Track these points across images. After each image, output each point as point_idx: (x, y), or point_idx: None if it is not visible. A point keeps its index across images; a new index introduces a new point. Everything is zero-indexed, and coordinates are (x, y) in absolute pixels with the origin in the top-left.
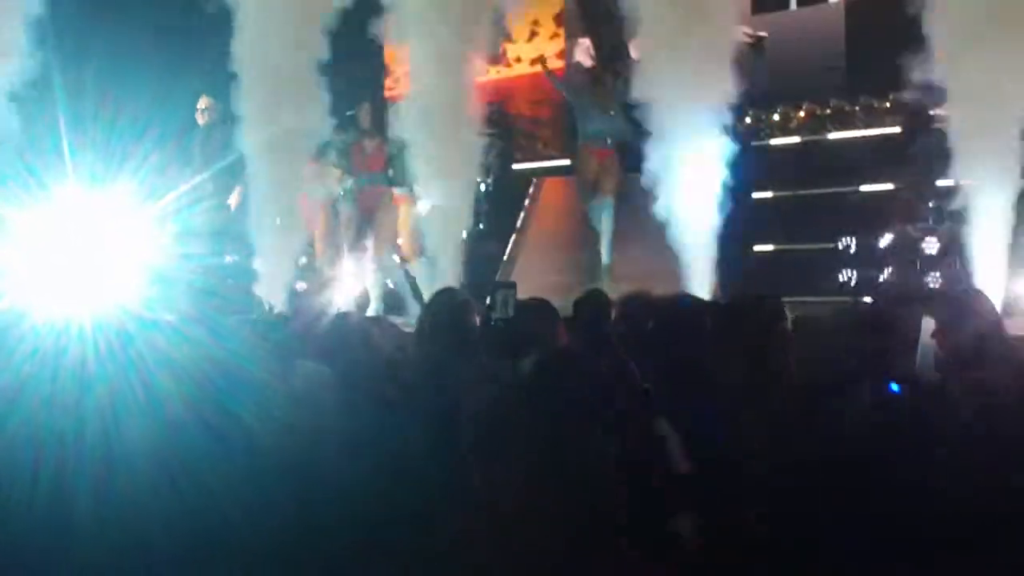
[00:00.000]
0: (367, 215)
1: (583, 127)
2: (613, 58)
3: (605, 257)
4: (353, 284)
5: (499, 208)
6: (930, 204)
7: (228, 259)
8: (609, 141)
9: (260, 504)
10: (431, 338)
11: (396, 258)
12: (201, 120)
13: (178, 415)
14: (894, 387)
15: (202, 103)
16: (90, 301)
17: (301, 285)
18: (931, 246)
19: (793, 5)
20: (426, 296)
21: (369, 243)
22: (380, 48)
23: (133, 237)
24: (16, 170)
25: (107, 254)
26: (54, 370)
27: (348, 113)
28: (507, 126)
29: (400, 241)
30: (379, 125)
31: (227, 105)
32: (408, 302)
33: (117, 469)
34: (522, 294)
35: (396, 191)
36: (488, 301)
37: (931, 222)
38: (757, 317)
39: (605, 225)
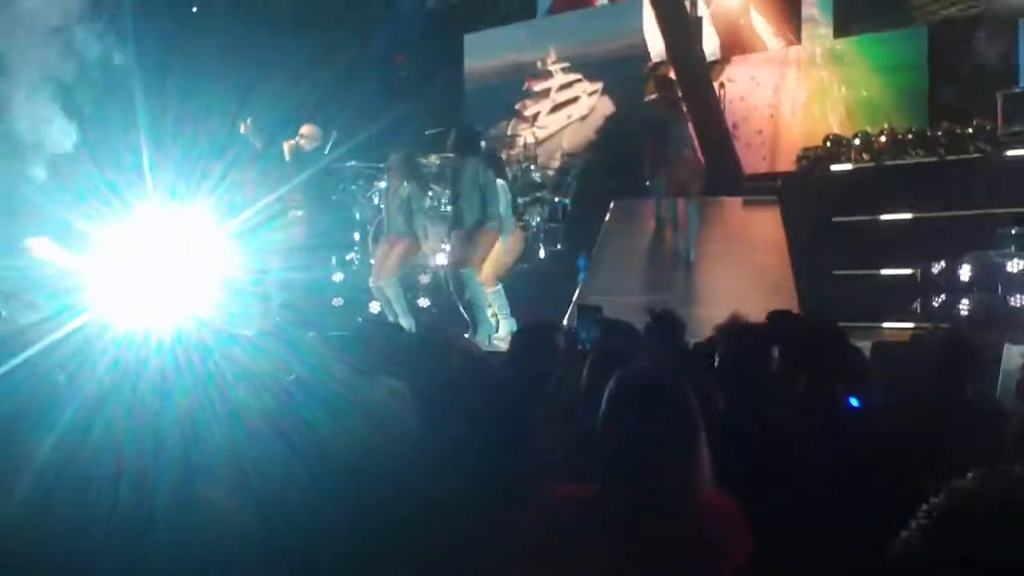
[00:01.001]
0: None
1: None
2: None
3: (692, 255)
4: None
5: (578, 227)
6: (1012, 231)
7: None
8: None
9: (334, 514)
10: (518, 358)
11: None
12: (305, 145)
13: (255, 426)
14: (853, 402)
15: (305, 130)
16: (170, 314)
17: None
18: (1013, 273)
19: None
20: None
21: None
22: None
23: (212, 252)
24: (98, 186)
25: (187, 269)
26: (135, 381)
27: (430, 132)
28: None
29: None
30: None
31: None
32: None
33: (195, 478)
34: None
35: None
36: (575, 324)
37: (1014, 248)
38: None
39: (695, 223)
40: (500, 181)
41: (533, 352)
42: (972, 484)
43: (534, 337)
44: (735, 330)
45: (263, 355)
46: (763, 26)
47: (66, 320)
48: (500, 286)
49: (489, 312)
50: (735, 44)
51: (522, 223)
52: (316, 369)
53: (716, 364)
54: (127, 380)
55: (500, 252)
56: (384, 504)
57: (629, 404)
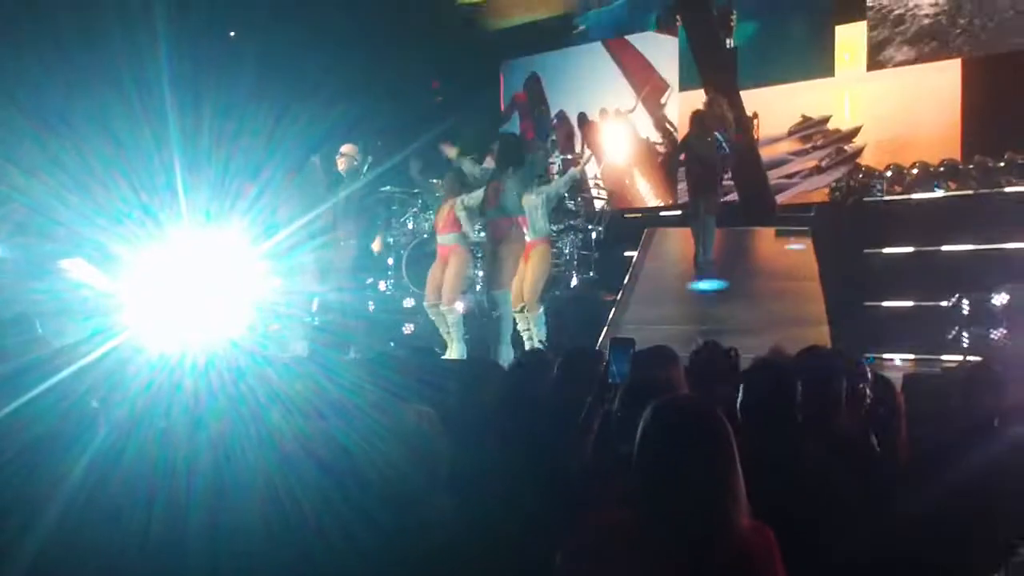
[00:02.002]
0: (494, 248)
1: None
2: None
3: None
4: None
5: (610, 256)
6: None
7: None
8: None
9: (368, 538)
10: (558, 385)
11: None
12: (342, 167)
13: (288, 450)
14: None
15: (345, 148)
16: (204, 337)
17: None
18: None
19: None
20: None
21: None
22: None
23: (247, 274)
24: (133, 208)
25: (221, 291)
26: (168, 404)
27: (473, 157)
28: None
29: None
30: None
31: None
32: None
33: (228, 501)
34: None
35: (530, 237)
36: (606, 357)
37: None
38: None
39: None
40: (540, 191)
41: (573, 381)
42: None
43: (575, 366)
44: (760, 365)
45: (297, 378)
46: None
47: (100, 342)
48: (542, 310)
49: (526, 335)
50: None
51: (556, 244)
52: (351, 392)
53: (740, 397)
54: (160, 403)
55: (537, 267)
56: (418, 528)
57: (665, 433)
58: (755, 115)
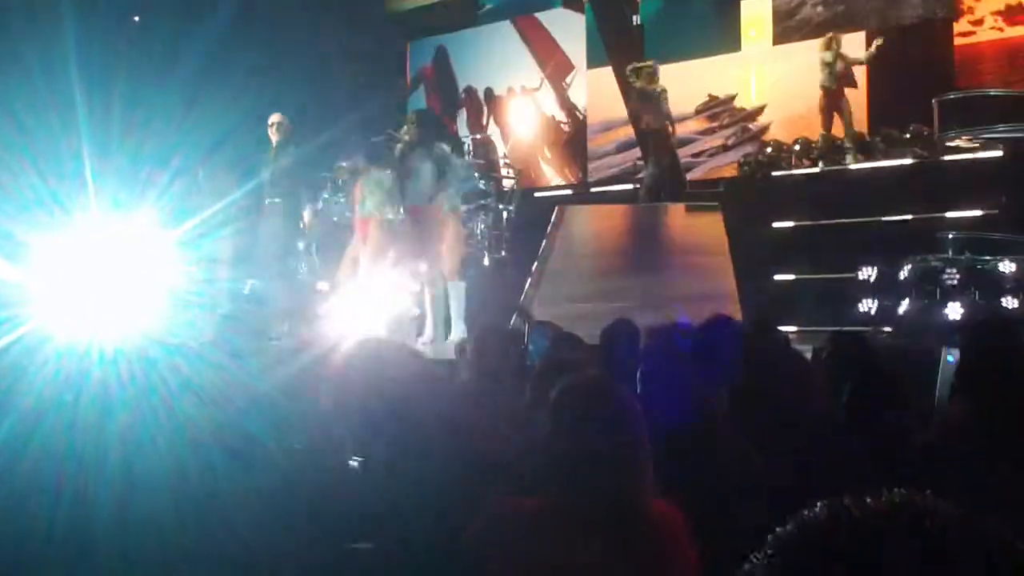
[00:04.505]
0: (419, 230)
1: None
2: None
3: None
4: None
5: (521, 235)
6: (950, 235)
7: (249, 284)
8: None
9: (280, 527)
10: (477, 369)
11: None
12: (274, 136)
13: (200, 440)
14: None
15: (274, 118)
16: (113, 326)
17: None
18: (951, 277)
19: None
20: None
21: (421, 260)
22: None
23: (156, 262)
24: (40, 195)
25: (130, 279)
26: (76, 394)
27: (374, 139)
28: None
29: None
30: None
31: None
32: (433, 324)
33: (138, 493)
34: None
35: (445, 208)
36: (525, 340)
37: (951, 252)
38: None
39: None
40: (456, 161)
41: (488, 360)
42: (822, 515)
43: (490, 345)
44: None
45: (209, 367)
46: None
47: (6, 332)
48: (464, 282)
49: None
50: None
51: (467, 224)
52: (260, 380)
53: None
54: (68, 393)
55: (460, 238)
56: (332, 518)
57: (572, 413)
58: (663, 90)
